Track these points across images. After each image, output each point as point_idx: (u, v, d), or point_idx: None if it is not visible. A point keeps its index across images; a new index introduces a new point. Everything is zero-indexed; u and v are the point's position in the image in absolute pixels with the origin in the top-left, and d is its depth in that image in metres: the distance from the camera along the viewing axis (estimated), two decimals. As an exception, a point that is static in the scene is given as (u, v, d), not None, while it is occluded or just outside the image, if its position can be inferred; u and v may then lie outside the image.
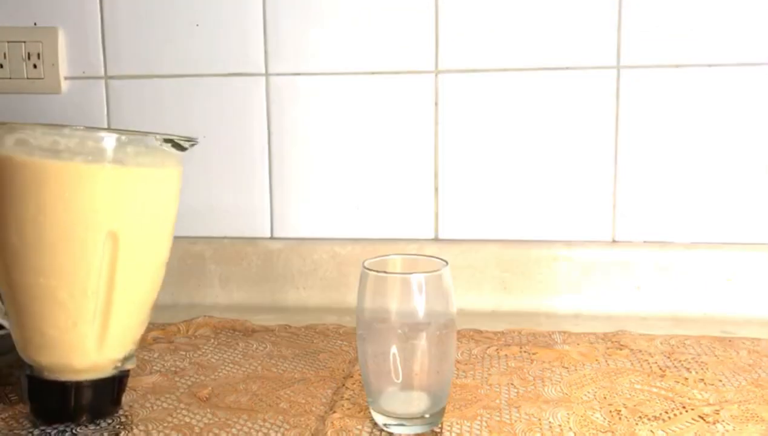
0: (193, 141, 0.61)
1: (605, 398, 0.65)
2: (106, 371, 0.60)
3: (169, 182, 0.61)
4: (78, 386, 0.58)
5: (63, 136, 0.54)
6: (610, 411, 0.62)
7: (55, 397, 0.59)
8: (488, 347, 0.78)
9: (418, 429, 0.59)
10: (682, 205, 0.92)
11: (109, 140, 0.56)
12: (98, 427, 0.60)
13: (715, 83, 0.90)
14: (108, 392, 0.61)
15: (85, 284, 0.55)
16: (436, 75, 0.94)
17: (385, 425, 0.59)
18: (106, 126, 1.00)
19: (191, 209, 0.99)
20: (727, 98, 0.90)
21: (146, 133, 0.58)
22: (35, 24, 1.00)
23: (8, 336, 0.71)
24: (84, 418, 0.60)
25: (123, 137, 0.56)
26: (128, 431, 0.60)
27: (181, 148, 0.61)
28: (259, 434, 0.59)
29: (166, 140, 0.59)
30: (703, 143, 0.91)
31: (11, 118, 1.02)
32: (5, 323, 0.59)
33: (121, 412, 0.62)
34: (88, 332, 0.57)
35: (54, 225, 0.54)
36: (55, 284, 0.55)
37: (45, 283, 0.55)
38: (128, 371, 0.62)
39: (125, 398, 0.65)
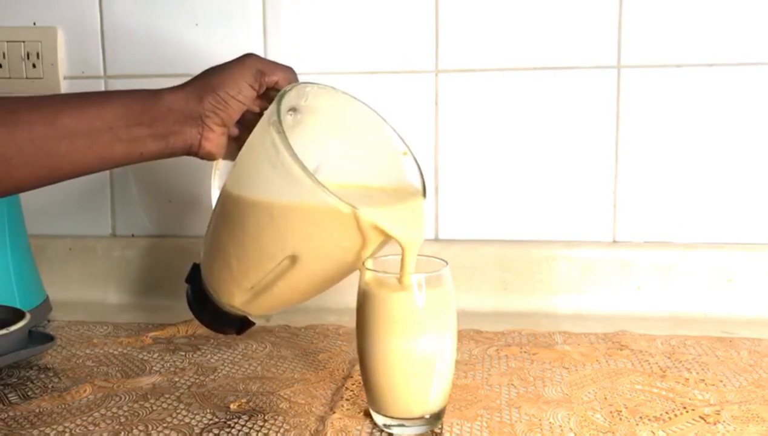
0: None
1: (606, 398, 0.65)
2: (242, 313, 0.68)
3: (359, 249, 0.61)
4: (216, 307, 0.68)
5: (300, 175, 0.57)
6: (611, 412, 0.62)
7: (198, 298, 0.69)
8: (488, 348, 0.78)
9: (418, 430, 0.59)
10: (682, 205, 0.92)
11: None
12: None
13: (715, 83, 0.90)
14: (236, 324, 0.70)
15: (249, 271, 0.62)
16: (436, 75, 0.94)
17: (385, 425, 0.59)
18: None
19: (189, 208, 0.99)
20: (727, 98, 0.90)
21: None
22: (34, 23, 1.00)
23: (8, 336, 0.71)
24: (209, 326, 0.72)
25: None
26: (128, 432, 0.60)
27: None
28: (259, 434, 0.59)
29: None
30: (703, 143, 0.91)
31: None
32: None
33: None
34: (237, 296, 0.65)
35: (256, 221, 0.60)
36: (234, 253, 0.63)
37: (229, 248, 0.63)
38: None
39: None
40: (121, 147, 0.62)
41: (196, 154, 0.66)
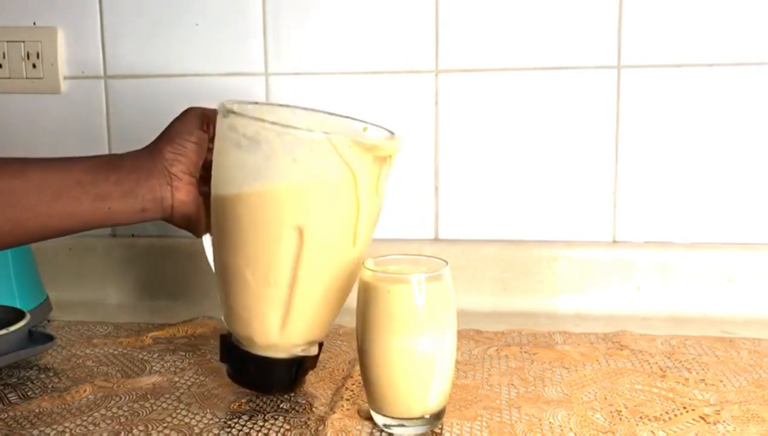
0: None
1: (606, 398, 0.65)
2: (287, 353, 0.63)
3: (354, 186, 0.60)
4: (259, 359, 0.63)
5: (264, 129, 0.58)
6: (611, 412, 0.62)
7: (239, 363, 0.65)
8: (488, 348, 0.78)
9: (418, 430, 0.59)
10: (682, 205, 0.92)
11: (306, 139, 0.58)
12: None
13: (715, 83, 0.90)
14: (285, 371, 0.64)
15: (267, 272, 0.60)
16: (436, 75, 0.94)
17: (385, 425, 0.59)
18: (105, 126, 1.00)
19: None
20: (727, 98, 0.90)
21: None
22: (34, 23, 1.00)
23: (8, 336, 0.71)
24: (261, 388, 0.66)
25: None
26: (128, 432, 0.60)
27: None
28: (259, 434, 0.59)
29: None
30: (703, 143, 0.91)
31: (10, 119, 1.02)
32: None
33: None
34: (270, 316, 0.61)
35: (249, 212, 0.59)
36: (244, 263, 0.60)
37: (239, 262, 0.61)
38: (310, 357, 0.65)
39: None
40: (88, 202, 0.63)
41: (171, 213, 0.65)
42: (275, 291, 0.61)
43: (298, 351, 0.64)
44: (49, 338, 0.76)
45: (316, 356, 0.67)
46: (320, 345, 0.67)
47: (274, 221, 0.59)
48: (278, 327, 0.62)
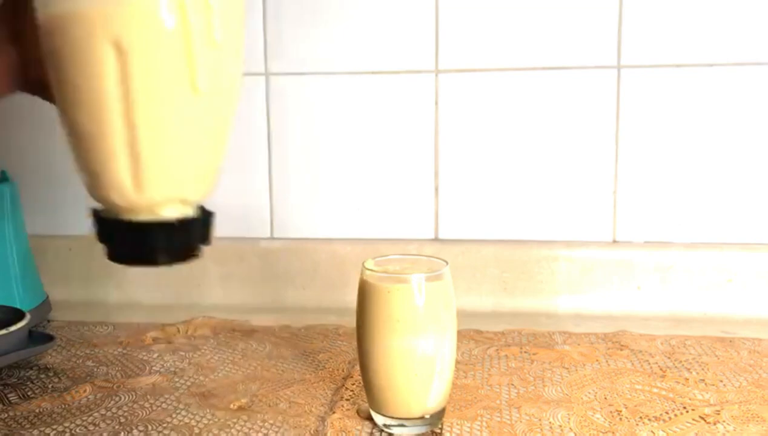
0: None
1: (606, 398, 0.65)
2: (154, 215, 0.54)
3: None
4: (129, 226, 0.54)
5: None
6: (611, 412, 0.62)
7: (114, 236, 0.55)
8: (488, 348, 0.78)
9: (418, 430, 0.59)
10: (683, 205, 0.92)
11: None
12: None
13: (715, 83, 0.90)
14: (161, 237, 0.54)
15: (94, 107, 0.50)
16: (436, 75, 0.94)
17: (385, 425, 0.59)
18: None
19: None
20: (727, 98, 0.90)
21: None
22: (34, 24, 1.00)
23: (8, 336, 0.71)
24: (141, 259, 0.55)
25: None
26: (128, 432, 0.60)
27: None
28: (259, 434, 0.59)
29: None
30: (703, 143, 0.91)
31: (5, 118, 1.01)
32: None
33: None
34: (120, 167, 0.52)
35: (61, 37, 0.49)
36: (72, 106, 0.51)
37: (67, 107, 0.51)
38: (189, 221, 0.55)
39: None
40: None
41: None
42: (113, 130, 0.51)
43: (171, 214, 0.54)
44: (49, 338, 0.76)
45: (206, 226, 0.56)
46: (209, 214, 0.56)
47: (85, 39, 0.49)
48: (131, 180, 0.52)
